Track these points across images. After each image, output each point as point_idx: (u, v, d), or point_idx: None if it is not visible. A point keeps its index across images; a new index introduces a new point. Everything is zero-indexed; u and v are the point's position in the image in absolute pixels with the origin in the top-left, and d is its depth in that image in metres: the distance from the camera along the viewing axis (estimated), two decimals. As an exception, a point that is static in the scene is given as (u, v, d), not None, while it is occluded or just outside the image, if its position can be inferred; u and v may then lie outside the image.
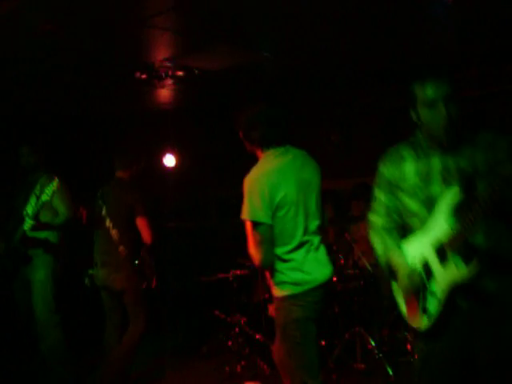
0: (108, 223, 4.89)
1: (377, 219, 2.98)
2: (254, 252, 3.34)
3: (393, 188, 2.86)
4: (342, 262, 5.50)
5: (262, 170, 3.42)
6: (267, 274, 3.52)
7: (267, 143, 3.49)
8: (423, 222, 2.72)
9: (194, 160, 7.67)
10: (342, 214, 6.48)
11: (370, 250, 5.66)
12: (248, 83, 6.27)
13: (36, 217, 4.72)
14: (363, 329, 5.27)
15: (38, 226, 4.80)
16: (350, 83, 6.39)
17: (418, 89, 2.67)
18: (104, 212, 4.96)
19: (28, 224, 4.73)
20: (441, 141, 2.67)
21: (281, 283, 3.42)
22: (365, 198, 5.93)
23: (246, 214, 3.32)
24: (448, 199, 2.61)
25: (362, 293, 5.42)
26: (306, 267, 3.37)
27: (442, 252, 2.62)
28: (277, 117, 3.53)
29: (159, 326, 6.05)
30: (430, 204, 2.69)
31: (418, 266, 2.73)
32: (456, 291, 2.59)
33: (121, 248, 4.85)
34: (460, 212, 2.56)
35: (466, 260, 2.53)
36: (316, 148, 7.11)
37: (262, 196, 3.29)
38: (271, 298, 5.58)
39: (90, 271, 5.05)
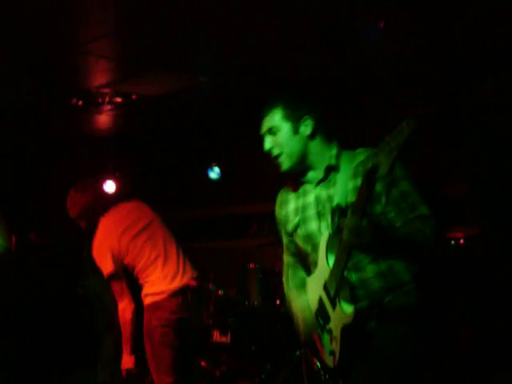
0: None
1: (285, 257, 2.91)
2: None
3: (285, 229, 2.78)
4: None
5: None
6: None
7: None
8: (314, 261, 2.60)
9: (135, 185, 7.58)
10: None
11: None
12: (188, 107, 6.26)
13: None
14: (309, 351, 5.26)
15: None
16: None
17: None
18: None
19: None
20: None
21: (145, 295, 4.07)
22: None
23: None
24: (323, 236, 2.50)
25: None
26: (162, 280, 4.03)
27: (329, 292, 2.46)
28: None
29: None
30: (311, 241, 2.59)
31: (314, 308, 2.61)
32: (348, 330, 2.41)
33: None
34: (332, 249, 2.43)
35: (353, 299, 2.39)
36: (259, 171, 7.19)
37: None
38: (216, 324, 5.55)
39: (81, 282, 5.52)
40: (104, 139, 7.40)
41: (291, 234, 2.72)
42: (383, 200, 2.42)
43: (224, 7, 3.65)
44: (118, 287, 4.02)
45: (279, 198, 2.83)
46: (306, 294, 2.70)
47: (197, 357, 5.51)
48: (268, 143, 2.64)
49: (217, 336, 5.50)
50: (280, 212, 2.79)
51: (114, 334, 5.69)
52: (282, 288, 5.30)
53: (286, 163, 2.60)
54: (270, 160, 2.65)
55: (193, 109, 6.37)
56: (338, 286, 2.40)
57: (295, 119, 2.60)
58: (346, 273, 2.39)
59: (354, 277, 2.45)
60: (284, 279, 2.94)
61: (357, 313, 2.35)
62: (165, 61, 4.62)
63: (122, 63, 4.59)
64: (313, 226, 2.58)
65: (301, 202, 2.66)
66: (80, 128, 6.82)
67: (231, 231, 7.63)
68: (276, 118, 2.63)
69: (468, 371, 4.65)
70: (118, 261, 3.99)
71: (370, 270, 2.47)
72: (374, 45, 4.48)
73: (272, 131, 2.63)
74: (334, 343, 2.50)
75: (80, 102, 5.39)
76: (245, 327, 5.54)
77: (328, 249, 2.47)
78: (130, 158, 7.69)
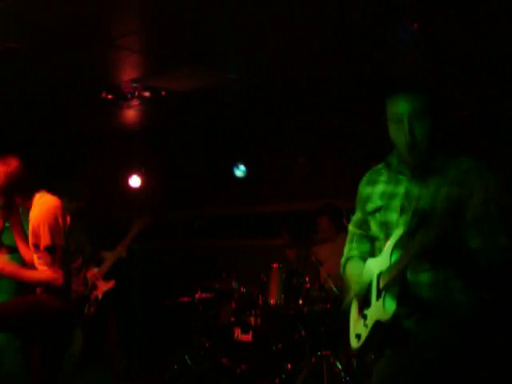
0: None
1: (351, 228, 2.92)
2: None
3: (364, 206, 2.77)
4: (308, 284, 5.48)
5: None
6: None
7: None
8: (380, 248, 2.62)
9: (160, 181, 7.61)
10: (305, 236, 6.46)
11: (336, 272, 5.67)
12: (215, 104, 6.27)
13: None
14: (330, 352, 5.23)
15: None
16: (317, 105, 6.43)
17: (388, 103, 2.56)
18: None
19: None
20: (407, 161, 2.55)
21: None
22: (330, 217, 5.93)
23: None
24: (396, 232, 2.49)
25: (329, 316, 5.39)
26: None
27: (380, 283, 2.49)
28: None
29: (124, 349, 5.93)
30: (386, 229, 2.59)
31: (364, 288, 2.65)
32: (381, 326, 2.44)
33: None
34: (399, 248, 2.42)
35: (400, 299, 2.39)
36: (283, 169, 7.18)
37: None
38: (237, 322, 5.55)
39: None
40: (131, 134, 7.43)
41: (368, 214, 2.72)
42: (468, 215, 2.26)
43: (256, 5, 3.64)
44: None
45: (368, 176, 2.80)
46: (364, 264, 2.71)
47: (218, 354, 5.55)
48: (410, 127, 2.47)
49: (238, 334, 5.51)
50: (365, 189, 2.78)
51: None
52: (305, 288, 5.37)
53: (422, 153, 2.50)
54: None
55: (221, 106, 6.37)
56: (390, 282, 2.41)
57: (434, 111, 2.51)
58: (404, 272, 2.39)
59: (408, 277, 2.44)
60: (346, 248, 2.93)
61: (394, 316, 2.35)
62: (195, 57, 4.62)
63: (152, 58, 4.59)
64: (393, 216, 2.56)
65: (390, 188, 2.64)
66: (108, 122, 6.86)
67: (256, 230, 7.63)
68: (422, 102, 2.48)
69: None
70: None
71: (425, 277, 2.45)
72: (410, 46, 4.44)
73: (417, 114, 2.47)
74: (363, 329, 2.54)
75: (109, 96, 5.41)
76: (266, 326, 5.53)
77: (396, 246, 2.46)
78: (156, 154, 7.72)
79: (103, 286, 5.48)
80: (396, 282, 2.41)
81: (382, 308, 2.41)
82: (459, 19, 3.91)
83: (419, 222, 2.33)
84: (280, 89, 5.72)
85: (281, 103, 6.35)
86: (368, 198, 2.74)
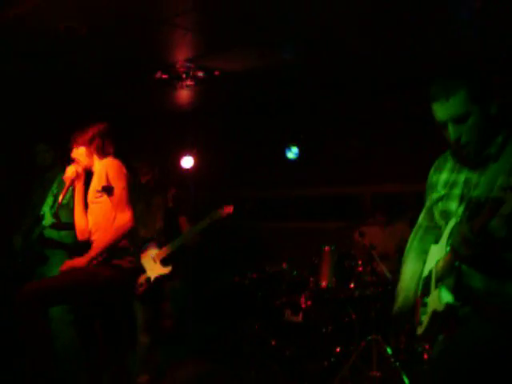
0: None
1: (421, 218, 2.84)
2: None
3: (430, 194, 2.69)
4: (360, 268, 5.43)
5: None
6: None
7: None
8: (442, 234, 2.55)
9: (212, 162, 7.64)
10: (359, 219, 6.40)
11: (388, 256, 5.60)
12: (268, 85, 6.24)
13: (56, 215, 4.70)
14: (380, 337, 5.19)
15: (58, 224, 4.76)
16: (371, 88, 6.34)
17: (432, 108, 2.42)
18: None
19: (49, 221, 4.71)
20: (458, 159, 2.49)
21: None
22: (383, 211, 5.90)
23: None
24: (451, 222, 2.42)
25: (380, 300, 5.34)
26: None
27: (437, 274, 2.44)
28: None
29: (174, 328, 5.99)
30: (446, 219, 2.52)
31: (425, 275, 2.60)
32: (437, 316, 2.39)
33: None
34: (451, 238, 2.33)
35: (453, 291, 2.33)
36: (337, 153, 7.12)
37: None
38: (288, 303, 5.53)
39: None
40: (184, 114, 7.47)
41: (433, 203, 2.64)
42: None
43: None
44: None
45: (437, 163, 2.70)
46: (421, 263, 2.68)
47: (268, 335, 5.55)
48: (455, 132, 2.35)
49: (288, 315, 5.50)
50: (432, 176, 2.69)
51: None
52: (357, 271, 5.32)
53: (473, 151, 2.37)
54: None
55: (274, 87, 6.35)
56: (443, 272, 2.38)
57: (485, 99, 2.33)
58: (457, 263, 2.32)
59: (462, 266, 2.35)
60: (410, 236, 2.87)
61: (448, 306, 2.32)
62: (249, 37, 4.61)
63: (207, 37, 4.60)
64: (452, 205, 2.48)
65: (453, 177, 2.54)
66: (162, 102, 6.91)
67: (309, 212, 7.60)
68: (462, 103, 2.31)
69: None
70: None
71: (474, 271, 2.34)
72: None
73: (459, 118, 2.33)
74: (425, 316, 2.51)
75: (164, 76, 5.43)
76: (317, 308, 5.51)
77: (451, 235, 2.38)
78: (209, 135, 7.74)
79: (158, 270, 5.25)
80: (450, 273, 2.35)
81: (437, 299, 2.38)
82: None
83: (472, 212, 2.20)
84: (334, 71, 5.66)
85: (334, 85, 6.29)
86: (434, 187, 2.66)
